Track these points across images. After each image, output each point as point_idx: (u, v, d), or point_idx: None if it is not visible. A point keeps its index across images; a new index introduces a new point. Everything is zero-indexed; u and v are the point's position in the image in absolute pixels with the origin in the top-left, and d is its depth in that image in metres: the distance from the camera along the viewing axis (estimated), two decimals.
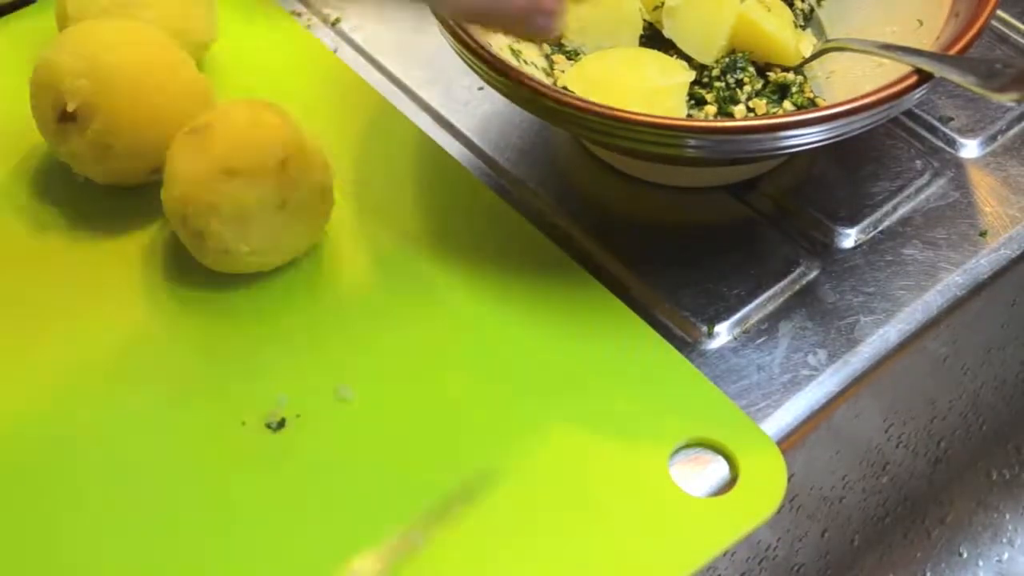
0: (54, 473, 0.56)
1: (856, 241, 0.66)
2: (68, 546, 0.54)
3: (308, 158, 0.61)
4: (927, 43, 0.63)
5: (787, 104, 0.66)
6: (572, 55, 0.69)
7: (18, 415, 0.58)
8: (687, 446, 0.58)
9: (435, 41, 0.69)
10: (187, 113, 0.63)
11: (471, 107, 0.72)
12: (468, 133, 0.71)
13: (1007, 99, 0.59)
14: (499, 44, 0.66)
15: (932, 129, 0.71)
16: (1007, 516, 0.80)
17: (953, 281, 0.65)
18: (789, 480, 0.57)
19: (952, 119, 0.71)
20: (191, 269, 0.62)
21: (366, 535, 0.54)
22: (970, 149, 0.70)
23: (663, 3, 0.67)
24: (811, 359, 0.62)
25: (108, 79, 0.62)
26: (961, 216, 0.67)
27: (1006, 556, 0.79)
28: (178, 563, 0.54)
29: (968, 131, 0.70)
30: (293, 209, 0.60)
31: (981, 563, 0.79)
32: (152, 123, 0.62)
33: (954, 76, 0.58)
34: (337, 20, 0.76)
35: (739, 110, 0.66)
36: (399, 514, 0.55)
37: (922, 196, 0.68)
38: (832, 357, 0.62)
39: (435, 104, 0.72)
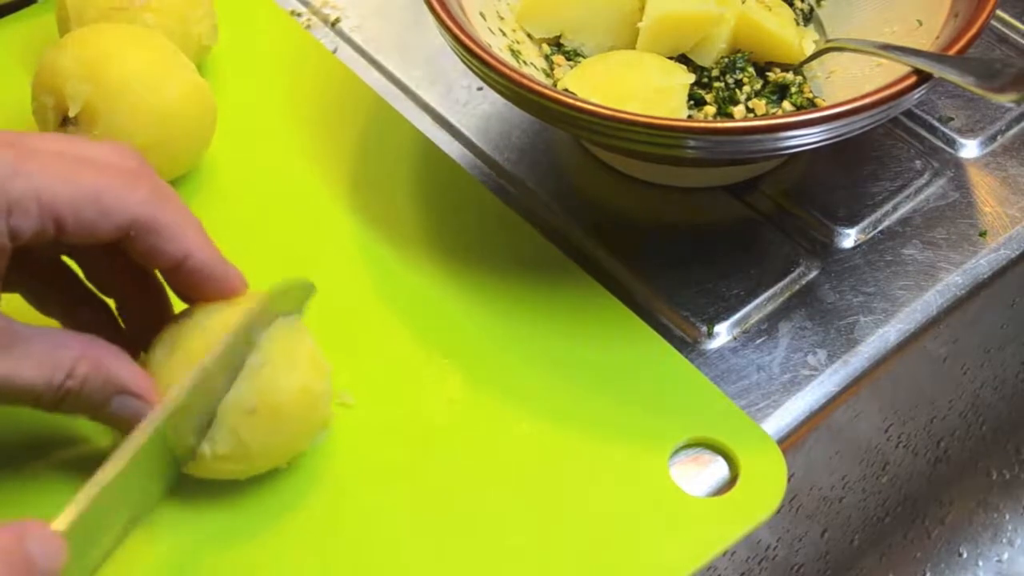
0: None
1: (856, 241, 0.66)
2: None
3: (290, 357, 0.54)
4: (926, 43, 0.63)
5: (786, 104, 0.66)
6: (572, 55, 0.69)
7: None
8: (687, 446, 0.58)
9: (435, 41, 0.69)
10: (189, 117, 0.64)
11: (471, 107, 0.72)
12: (468, 133, 0.71)
13: (1006, 99, 0.59)
14: (499, 44, 0.66)
15: (932, 129, 0.71)
16: (1007, 516, 0.80)
17: (953, 281, 0.65)
18: (789, 480, 0.57)
19: (952, 119, 0.71)
20: None
21: (367, 533, 0.55)
22: (970, 149, 0.70)
23: None
24: (811, 359, 0.62)
25: (110, 84, 0.62)
26: (961, 216, 0.67)
27: (1006, 556, 0.79)
28: (183, 562, 0.54)
29: (968, 131, 0.71)
30: (266, 415, 0.53)
31: (981, 563, 0.79)
32: (154, 127, 0.62)
33: (953, 76, 0.58)
34: (337, 20, 0.76)
35: (738, 110, 0.66)
36: (399, 508, 0.55)
37: (922, 196, 0.68)
38: (832, 357, 0.62)
39: (435, 104, 0.72)
